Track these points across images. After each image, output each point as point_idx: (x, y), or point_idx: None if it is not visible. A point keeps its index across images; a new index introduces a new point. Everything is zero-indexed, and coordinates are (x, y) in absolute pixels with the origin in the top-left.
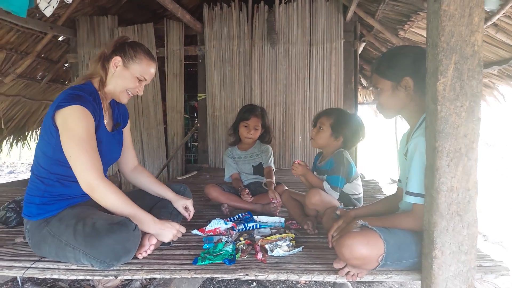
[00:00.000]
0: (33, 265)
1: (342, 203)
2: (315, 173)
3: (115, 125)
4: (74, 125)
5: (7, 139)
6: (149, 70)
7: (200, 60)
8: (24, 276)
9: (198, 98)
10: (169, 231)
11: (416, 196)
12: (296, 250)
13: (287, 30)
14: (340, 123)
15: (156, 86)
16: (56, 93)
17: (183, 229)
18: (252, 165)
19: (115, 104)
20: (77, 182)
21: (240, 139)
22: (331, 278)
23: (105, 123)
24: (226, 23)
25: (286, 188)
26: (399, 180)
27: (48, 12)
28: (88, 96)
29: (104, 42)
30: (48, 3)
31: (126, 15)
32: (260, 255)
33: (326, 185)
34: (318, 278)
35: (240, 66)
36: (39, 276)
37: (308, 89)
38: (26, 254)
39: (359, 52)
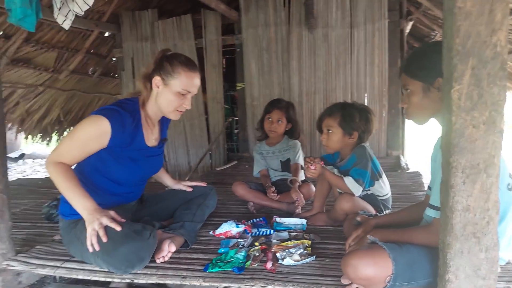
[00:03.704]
0: (62, 265)
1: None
2: (335, 171)
3: (161, 140)
4: (82, 126)
5: (67, 130)
6: (190, 82)
7: (238, 49)
8: (56, 275)
9: (237, 88)
10: (90, 226)
11: (437, 211)
12: (308, 259)
13: (326, 13)
14: (348, 118)
15: None
16: (107, 85)
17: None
18: (280, 160)
19: (164, 120)
20: (108, 192)
21: (267, 134)
22: None
23: (148, 139)
24: (262, 10)
25: (315, 190)
26: (429, 188)
27: (66, 26)
28: (123, 112)
29: (145, 36)
30: (65, 16)
31: (167, 6)
32: (269, 265)
33: (348, 180)
34: None
35: (278, 53)
36: (67, 276)
37: (350, 74)
38: (59, 253)
39: (407, 31)
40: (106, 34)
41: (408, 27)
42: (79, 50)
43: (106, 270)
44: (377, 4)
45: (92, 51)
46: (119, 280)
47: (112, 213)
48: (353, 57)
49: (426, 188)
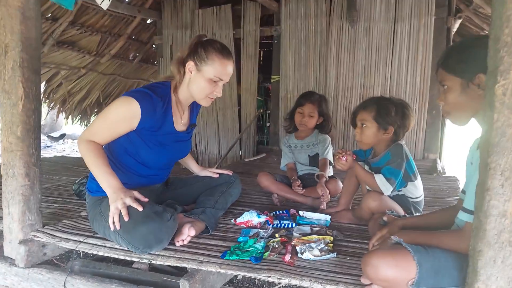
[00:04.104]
0: (85, 240)
1: (393, 210)
2: (366, 167)
3: (190, 125)
4: (113, 107)
5: None
6: (224, 69)
7: (276, 41)
8: (78, 249)
9: (272, 80)
10: (113, 205)
11: (471, 214)
12: (329, 256)
13: (369, 6)
14: (384, 112)
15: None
16: (147, 72)
17: (137, 207)
18: (309, 155)
19: (195, 105)
20: (135, 173)
21: (296, 127)
22: None
23: (177, 123)
24: (303, 1)
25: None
26: (463, 191)
27: (104, 6)
28: (154, 96)
29: (185, 24)
30: None
31: None
32: (288, 257)
33: (379, 177)
34: None
35: (316, 46)
36: (88, 251)
37: (390, 71)
38: (84, 229)
39: (455, 29)
40: (148, 21)
41: (456, 26)
42: (121, 35)
43: (126, 249)
44: None
45: (133, 37)
46: (137, 260)
47: (135, 193)
48: (394, 53)
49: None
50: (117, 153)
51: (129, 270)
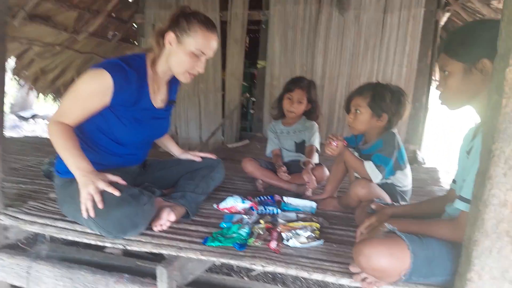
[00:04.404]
0: (53, 224)
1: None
2: (355, 154)
3: (169, 102)
4: (82, 82)
5: None
6: (206, 43)
7: (264, 26)
8: (44, 233)
9: (258, 66)
10: (85, 190)
11: (468, 204)
12: (315, 243)
13: None
14: (379, 99)
15: (217, 51)
16: (125, 51)
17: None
18: (295, 141)
19: (174, 81)
20: (109, 152)
21: (284, 113)
22: (344, 281)
23: (154, 99)
24: None
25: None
26: (454, 181)
27: None
28: (128, 68)
29: (169, 3)
30: None
31: None
32: (273, 244)
33: (368, 164)
34: (330, 279)
35: (304, 32)
36: (56, 235)
37: (377, 61)
38: (52, 211)
39: (442, 23)
40: None
41: (443, 19)
42: (100, 12)
43: (98, 233)
44: None
45: (113, 14)
46: (110, 245)
47: (110, 176)
48: (383, 43)
49: (442, 184)
50: (89, 132)
51: (101, 255)
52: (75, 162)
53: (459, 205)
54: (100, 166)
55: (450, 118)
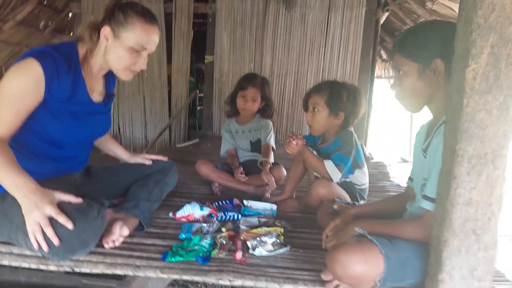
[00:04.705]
0: None
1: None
2: (314, 153)
3: (107, 95)
4: (9, 79)
5: None
6: (146, 36)
7: (210, 19)
8: None
9: (206, 61)
10: (30, 218)
11: (433, 203)
12: (282, 250)
13: None
14: (336, 97)
15: (161, 45)
16: None
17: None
18: (250, 140)
19: (111, 72)
20: (45, 157)
21: (238, 111)
22: None
23: (91, 92)
24: None
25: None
26: (410, 179)
27: None
28: (56, 55)
29: None
30: None
31: None
32: (239, 255)
33: (328, 163)
34: None
35: (252, 29)
36: None
37: (323, 59)
38: None
39: (381, 22)
40: None
41: (383, 18)
42: None
43: (40, 255)
44: None
45: (45, 2)
46: (56, 269)
47: (59, 195)
48: (327, 42)
49: (392, 179)
50: (19, 135)
51: (39, 275)
52: (13, 181)
53: (425, 204)
54: (37, 175)
55: (391, 113)
